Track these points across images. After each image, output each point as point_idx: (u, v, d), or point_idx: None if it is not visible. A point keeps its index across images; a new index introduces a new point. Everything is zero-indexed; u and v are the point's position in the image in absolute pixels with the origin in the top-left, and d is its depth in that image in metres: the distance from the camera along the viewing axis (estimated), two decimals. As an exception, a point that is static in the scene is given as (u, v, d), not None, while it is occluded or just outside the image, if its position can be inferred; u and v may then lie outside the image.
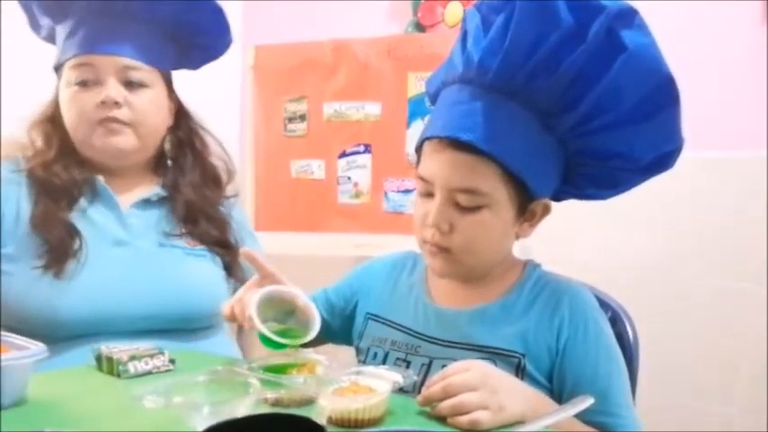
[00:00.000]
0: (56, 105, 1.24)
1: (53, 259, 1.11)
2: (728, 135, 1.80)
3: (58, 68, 1.24)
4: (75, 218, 1.18)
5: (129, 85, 1.20)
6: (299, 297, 0.96)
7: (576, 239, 1.91)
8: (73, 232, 1.15)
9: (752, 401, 1.74)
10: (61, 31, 1.22)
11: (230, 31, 1.32)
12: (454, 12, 2.19)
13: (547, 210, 0.97)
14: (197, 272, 1.23)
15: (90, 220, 1.19)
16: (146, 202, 1.25)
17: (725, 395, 1.78)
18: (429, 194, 0.93)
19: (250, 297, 0.93)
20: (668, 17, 1.80)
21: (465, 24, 0.95)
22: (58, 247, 1.12)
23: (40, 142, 1.23)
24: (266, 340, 0.91)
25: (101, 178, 1.22)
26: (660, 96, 0.86)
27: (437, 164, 0.91)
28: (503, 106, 0.88)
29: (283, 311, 0.95)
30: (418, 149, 0.97)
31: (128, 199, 1.25)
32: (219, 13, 1.28)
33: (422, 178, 0.94)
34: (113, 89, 1.18)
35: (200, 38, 1.30)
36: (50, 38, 1.28)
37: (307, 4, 2.45)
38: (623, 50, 0.83)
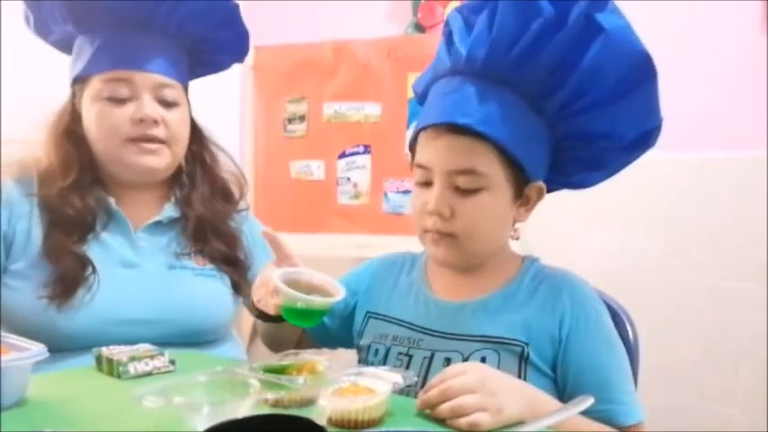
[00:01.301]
0: (73, 118, 1.21)
1: (59, 291, 1.10)
2: (728, 135, 1.80)
3: (79, 79, 1.20)
4: (88, 241, 1.17)
5: (164, 103, 1.19)
6: (314, 276, 0.95)
7: (576, 240, 1.91)
8: (85, 263, 1.13)
9: (752, 401, 1.74)
10: (86, 41, 1.19)
11: (247, 52, 1.33)
12: (454, 12, 2.19)
13: (541, 193, 0.99)
14: (203, 291, 1.22)
15: (101, 242, 1.18)
16: (157, 224, 1.24)
17: (725, 395, 1.78)
18: (427, 183, 0.95)
19: (269, 275, 0.93)
20: (668, 17, 1.80)
21: (448, 26, 0.99)
22: (66, 280, 1.11)
23: (57, 165, 1.18)
24: (291, 314, 0.90)
25: (113, 201, 1.20)
26: (638, 74, 0.90)
27: (435, 150, 0.93)
28: (493, 91, 0.92)
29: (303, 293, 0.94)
30: (413, 143, 1.00)
31: (141, 219, 1.23)
32: (245, 36, 1.29)
33: (420, 166, 0.96)
34: (150, 107, 1.16)
35: (216, 56, 1.31)
36: (61, 43, 1.24)
37: (307, 5, 2.45)
38: (601, 32, 0.87)
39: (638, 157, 0.98)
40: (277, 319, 0.96)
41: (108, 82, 1.16)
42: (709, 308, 1.81)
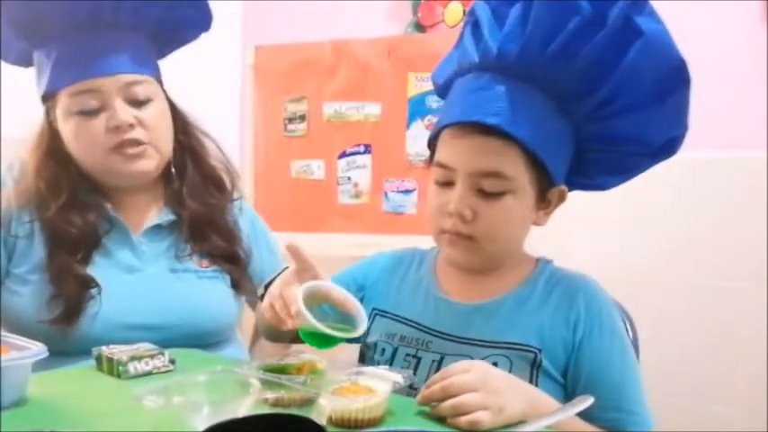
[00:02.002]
0: (52, 136, 1.17)
1: (62, 318, 1.09)
2: (728, 135, 1.80)
3: (46, 97, 1.16)
4: (93, 258, 1.16)
5: (136, 103, 1.15)
6: (335, 290, 0.90)
7: (576, 239, 1.91)
8: (88, 283, 1.12)
9: (752, 401, 1.74)
10: (43, 55, 1.15)
11: (212, 19, 1.26)
12: (454, 12, 2.19)
13: (562, 197, 0.97)
14: (207, 294, 1.22)
15: (104, 249, 1.17)
16: (157, 228, 1.23)
17: (725, 395, 1.78)
18: (448, 183, 0.92)
19: (291, 293, 0.86)
20: (668, 17, 1.80)
21: (473, 16, 0.95)
22: (68, 306, 1.09)
23: (45, 187, 1.15)
24: (309, 337, 0.87)
25: (110, 208, 1.19)
26: (673, 79, 0.88)
27: (460, 149, 0.90)
28: (524, 91, 0.89)
29: (320, 305, 0.90)
30: (433, 140, 0.96)
31: (140, 224, 1.22)
32: (204, 5, 1.23)
33: (442, 165, 0.92)
34: (122, 112, 1.12)
35: (180, 33, 1.26)
36: (22, 61, 1.21)
37: (307, 4, 2.45)
38: (640, 35, 0.85)
39: (659, 162, 0.96)
40: None
41: (74, 96, 1.12)
42: (709, 308, 1.80)
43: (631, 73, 0.87)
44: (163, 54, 1.28)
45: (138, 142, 1.15)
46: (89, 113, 1.13)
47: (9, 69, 1.52)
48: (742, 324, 1.76)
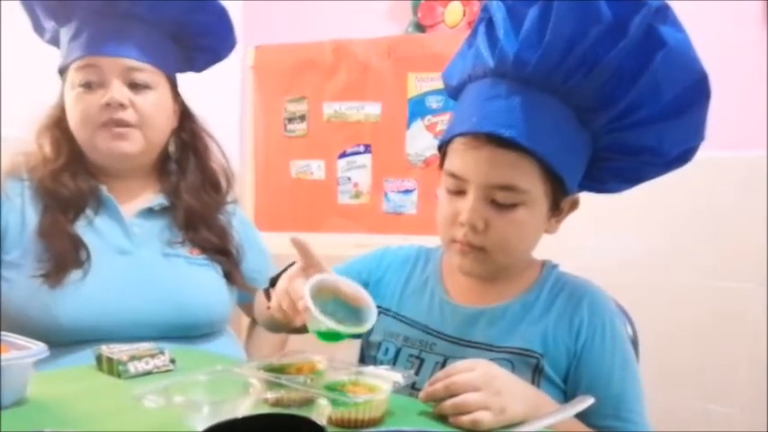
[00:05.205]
0: (62, 109, 1.23)
1: (53, 270, 1.11)
2: (728, 135, 1.80)
3: (62, 71, 1.23)
4: (81, 227, 1.18)
5: (134, 86, 1.19)
6: (344, 284, 0.89)
7: (576, 239, 1.90)
8: (78, 244, 1.15)
9: (752, 401, 1.74)
10: (65, 33, 1.22)
11: (234, 32, 1.32)
12: (454, 12, 2.18)
13: (575, 205, 0.96)
14: (199, 282, 1.23)
15: (95, 229, 1.20)
16: (149, 211, 1.25)
17: (725, 395, 1.78)
18: (460, 192, 0.91)
19: (297, 288, 0.84)
20: (668, 17, 1.80)
21: (487, 14, 0.92)
22: (60, 259, 1.12)
23: (48, 149, 1.22)
24: (319, 332, 0.85)
25: (104, 188, 1.22)
26: (694, 92, 0.87)
27: (473, 160, 0.88)
28: (541, 101, 0.86)
29: (328, 299, 0.88)
30: (444, 146, 0.94)
31: (132, 207, 1.24)
32: (223, 15, 1.28)
33: (454, 175, 0.90)
34: (117, 91, 1.17)
35: (203, 39, 1.30)
36: (54, 41, 1.27)
37: (307, 5, 2.45)
38: (663, 46, 0.83)
39: (673, 170, 0.94)
40: None
41: (80, 70, 1.18)
42: (710, 308, 1.80)
43: (652, 85, 0.84)
44: (196, 63, 1.34)
45: (125, 123, 1.18)
46: (89, 87, 1.18)
47: (9, 69, 1.53)
48: (742, 324, 1.76)
